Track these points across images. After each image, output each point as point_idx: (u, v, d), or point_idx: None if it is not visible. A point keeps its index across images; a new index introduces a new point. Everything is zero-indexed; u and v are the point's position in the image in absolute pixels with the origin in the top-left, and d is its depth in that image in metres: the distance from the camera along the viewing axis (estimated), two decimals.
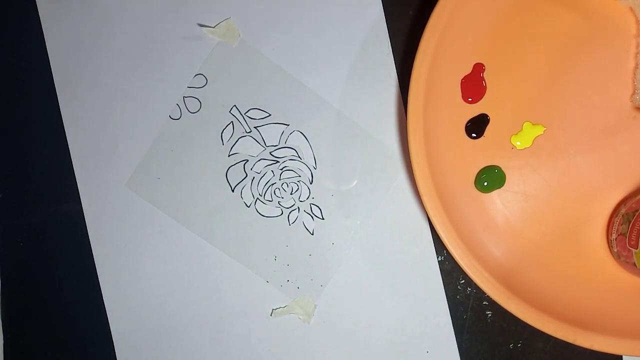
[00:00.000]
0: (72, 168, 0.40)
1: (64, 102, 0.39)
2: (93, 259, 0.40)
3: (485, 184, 0.37)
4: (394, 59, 0.39)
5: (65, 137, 0.40)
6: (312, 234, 0.39)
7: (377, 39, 0.39)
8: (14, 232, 0.40)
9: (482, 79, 0.37)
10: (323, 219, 0.39)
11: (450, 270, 0.39)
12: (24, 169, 0.40)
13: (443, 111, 0.37)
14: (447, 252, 0.37)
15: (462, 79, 0.37)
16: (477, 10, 0.36)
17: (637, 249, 0.33)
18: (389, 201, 0.39)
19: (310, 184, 0.39)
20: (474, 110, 0.37)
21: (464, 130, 0.37)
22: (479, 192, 0.37)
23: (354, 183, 0.39)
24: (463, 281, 0.39)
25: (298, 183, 0.39)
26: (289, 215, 0.39)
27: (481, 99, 0.37)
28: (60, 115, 0.39)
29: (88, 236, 0.40)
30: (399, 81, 0.39)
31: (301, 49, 0.39)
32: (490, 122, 0.37)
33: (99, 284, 0.40)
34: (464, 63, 0.37)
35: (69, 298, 0.40)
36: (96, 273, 0.40)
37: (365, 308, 0.39)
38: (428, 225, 0.39)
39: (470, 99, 0.37)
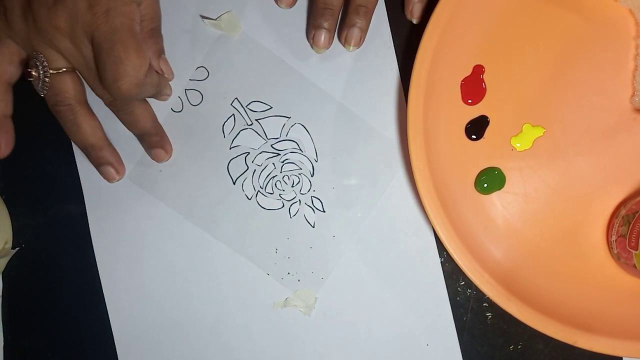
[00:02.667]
0: (75, 161, 0.40)
1: None
2: (94, 253, 0.40)
3: (485, 185, 0.37)
4: (396, 52, 0.39)
5: None
6: (313, 227, 0.39)
7: (379, 32, 0.39)
8: (14, 231, 0.40)
9: (482, 80, 0.37)
10: (324, 211, 0.39)
11: (451, 272, 0.39)
12: (26, 165, 0.40)
13: (443, 113, 0.37)
14: (447, 253, 0.37)
15: (462, 81, 0.37)
16: (476, 12, 0.36)
17: (637, 250, 0.33)
18: (390, 194, 0.39)
19: (312, 176, 0.39)
20: (473, 111, 0.37)
21: (464, 132, 0.37)
22: (479, 193, 0.37)
23: (353, 182, 0.39)
24: (463, 282, 0.39)
25: (299, 176, 0.39)
26: (290, 208, 0.39)
27: (481, 100, 0.37)
28: None
29: (89, 231, 0.40)
30: (400, 74, 0.39)
31: (302, 42, 0.39)
32: (490, 123, 0.37)
33: (99, 279, 0.40)
34: (463, 65, 0.37)
35: (69, 298, 0.40)
36: (97, 267, 0.40)
37: (365, 301, 0.39)
38: (428, 222, 0.39)
39: (470, 101, 0.37)
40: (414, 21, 0.38)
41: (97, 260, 0.40)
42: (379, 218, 0.39)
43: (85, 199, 0.40)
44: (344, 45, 0.38)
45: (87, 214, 0.40)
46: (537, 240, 0.37)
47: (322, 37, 0.37)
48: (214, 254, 0.39)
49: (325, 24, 0.37)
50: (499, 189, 0.37)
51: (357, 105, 0.39)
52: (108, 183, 0.39)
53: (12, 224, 0.40)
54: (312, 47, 0.38)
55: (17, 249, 0.40)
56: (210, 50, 0.39)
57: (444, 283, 0.39)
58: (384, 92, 0.39)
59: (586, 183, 0.37)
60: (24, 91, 0.37)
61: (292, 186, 0.39)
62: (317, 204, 0.39)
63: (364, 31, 0.37)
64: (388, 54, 0.39)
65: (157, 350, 0.40)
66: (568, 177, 0.37)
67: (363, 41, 0.37)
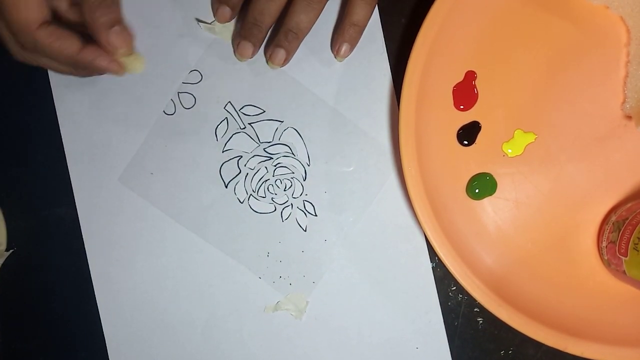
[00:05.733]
0: (66, 164, 0.40)
1: (58, 97, 0.40)
2: (86, 257, 0.40)
3: (477, 191, 0.37)
4: (389, 58, 0.39)
5: (60, 133, 0.40)
6: (305, 231, 0.39)
7: (372, 38, 0.39)
8: (8, 234, 0.40)
9: (474, 86, 0.37)
10: (316, 215, 0.39)
11: (442, 277, 0.39)
12: (18, 168, 0.40)
13: (435, 118, 0.37)
14: (439, 258, 0.38)
15: (454, 87, 0.37)
16: (468, 19, 0.36)
17: (626, 257, 0.34)
18: (382, 199, 0.39)
19: (304, 180, 0.39)
20: (465, 117, 0.37)
21: (456, 138, 0.38)
22: (470, 199, 0.37)
23: (345, 186, 0.39)
24: (454, 288, 0.39)
25: (291, 180, 0.39)
26: (282, 212, 0.39)
27: (473, 106, 0.37)
28: (55, 110, 0.40)
29: (81, 233, 0.40)
30: (393, 80, 0.39)
31: None
32: (482, 129, 0.37)
33: (91, 282, 0.40)
34: (455, 71, 0.37)
35: (62, 301, 0.40)
36: (89, 270, 0.40)
37: (356, 305, 0.39)
38: (420, 227, 0.39)
39: (462, 107, 0.37)
40: (338, 60, 0.38)
41: (89, 263, 0.40)
42: (371, 223, 0.39)
43: (76, 202, 0.40)
44: (267, 62, 0.38)
45: (79, 217, 0.40)
46: (528, 246, 0.37)
47: (247, 49, 0.37)
48: (205, 257, 0.39)
49: (253, 39, 0.37)
50: (491, 194, 0.37)
51: (349, 110, 0.39)
52: (99, 185, 0.39)
53: (5, 227, 0.40)
54: (234, 53, 0.38)
55: (10, 251, 0.40)
56: (204, 54, 0.39)
57: (435, 288, 0.39)
58: (376, 97, 0.39)
59: (577, 189, 0.37)
60: (18, 86, 0.38)
61: (285, 190, 0.39)
62: (309, 208, 0.39)
63: (290, 53, 0.38)
64: (381, 60, 0.39)
65: (149, 353, 0.40)
66: (559, 183, 0.37)
67: (287, 62, 0.38)
